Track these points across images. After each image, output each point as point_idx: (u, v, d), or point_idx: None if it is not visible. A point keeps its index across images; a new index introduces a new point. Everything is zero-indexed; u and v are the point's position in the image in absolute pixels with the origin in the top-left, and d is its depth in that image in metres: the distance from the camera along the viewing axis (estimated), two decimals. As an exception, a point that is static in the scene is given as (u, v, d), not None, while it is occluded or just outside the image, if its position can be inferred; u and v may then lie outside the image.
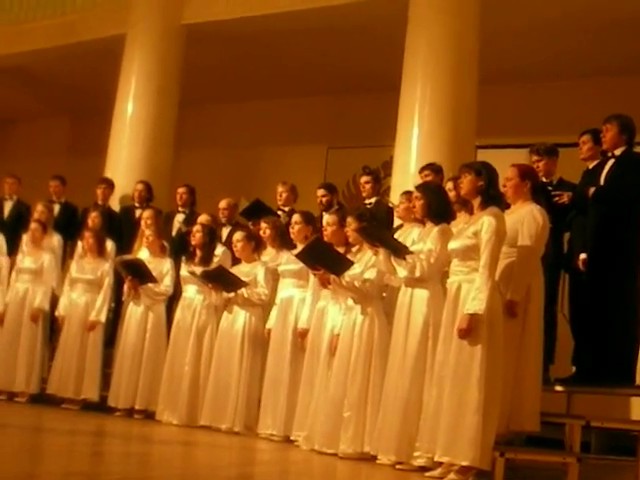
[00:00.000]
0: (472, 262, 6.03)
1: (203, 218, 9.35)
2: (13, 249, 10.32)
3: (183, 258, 9.05)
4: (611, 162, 7.43)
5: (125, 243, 10.06)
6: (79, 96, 14.28)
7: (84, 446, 6.91)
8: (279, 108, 13.79)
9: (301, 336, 7.87)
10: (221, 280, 8.44)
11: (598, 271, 7.26)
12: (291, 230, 8.28)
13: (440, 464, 5.97)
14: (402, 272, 6.65)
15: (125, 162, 11.61)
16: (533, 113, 11.67)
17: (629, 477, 6.51)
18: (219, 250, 9.02)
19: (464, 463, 5.77)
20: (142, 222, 9.60)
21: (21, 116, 16.23)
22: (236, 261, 8.80)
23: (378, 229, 7.24)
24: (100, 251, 9.68)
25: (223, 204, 10.03)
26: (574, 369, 7.53)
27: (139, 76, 11.84)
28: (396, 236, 7.31)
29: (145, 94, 11.80)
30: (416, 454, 6.21)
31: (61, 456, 6.01)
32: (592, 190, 7.34)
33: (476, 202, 6.22)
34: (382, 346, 6.88)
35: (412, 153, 9.50)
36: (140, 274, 9.10)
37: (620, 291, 7.22)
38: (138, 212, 10.39)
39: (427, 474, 6.02)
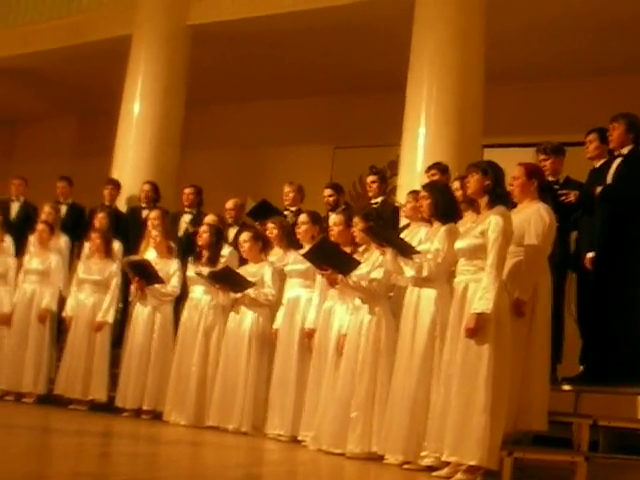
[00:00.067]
0: (479, 261, 6.03)
1: (210, 218, 9.34)
2: (20, 250, 10.33)
3: (190, 259, 9.04)
4: (618, 161, 7.42)
5: (132, 244, 10.07)
6: (86, 96, 14.31)
7: (92, 447, 6.92)
8: (285, 108, 13.79)
9: (308, 336, 7.86)
10: (228, 280, 8.45)
11: (605, 270, 7.25)
12: (298, 230, 8.28)
13: (447, 464, 5.96)
14: (409, 272, 6.65)
15: (132, 162, 11.62)
16: (540, 112, 11.65)
17: (637, 476, 6.52)
18: (226, 250, 9.02)
19: (472, 463, 5.76)
20: (149, 223, 9.59)
21: (28, 117, 16.25)
22: (243, 261, 8.80)
23: (385, 229, 7.24)
24: (107, 252, 9.69)
25: (230, 204, 10.03)
26: (582, 368, 7.52)
27: (145, 76, 11.86)
28: (403, 236, 7.31)
29: (151, 94, 11.82)
30: (423, 454, 6.21)
31: (69, 457, 6.02)
32: (599, 189, 7.33)
33: (483, 201, 6.21)
34: (389, 346, 6.88)
35: (418, 152, 9.49)
36: (147, 275, 9.11)
37: (627, 290, 7.21)
38: (145, 213, 10.38)
39: (434, 474, 6.01)
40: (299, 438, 7.59)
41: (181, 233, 10.35)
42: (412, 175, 9.31)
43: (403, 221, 8.31)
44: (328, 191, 9.54)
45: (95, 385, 9.35)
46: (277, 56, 12.27)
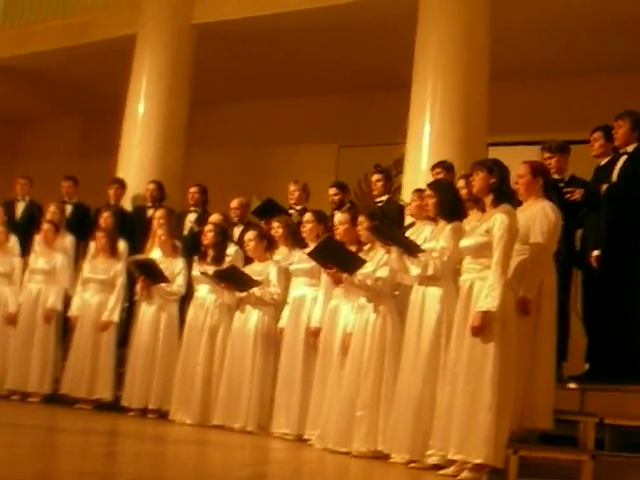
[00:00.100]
0: (484, 260, 6.02)
1: (215, 217, 9.35)
2: (26, 250, 10.34)
3: (195, 258, 9.04)
4: (623, 159, 7.42)
5: (137, 243, 10.07)
6: (90, 96, 14.31)
7: (97, 446, 6.92)
8: (290, 107, 13.79)
9: (313, 335, 7.86)
10: (233, 279, 8.45)
11: (611, 268, 7.24)
12: (303, 229, 8.28)
13: (453, 462, 5.96)
14: (415, 270, 6.64)
15: (137, 162, 11.62)
16: (545, 110, 11.64)
17: (644, 475, 6.50)
18: (231, 249, 9.03)
19: (477, 461, 5.76)
20: (154, 222, 9.61)
21: (32, 117, 16.27)
22: (248, 260, 8.81)
23: (390, 227, 7.24)
24: (112, 251, 9.70)
25: (235, 203, 10.03)
26: (587, 366, 7.51)
27: (150, 76, 11.86)
28: (408, 234, 7.31)
29: (156, 94, 11.82)
30: (429, 452, 6.21)
31: (74, 456, 6.03)
32: (604, 187, 7.32)
33: (488, 200, 6.21)
34: (394, 344, 6.88)
35: (423, 151, 9.48)
36: (152, 274, 9.11)
37: (633, 288, 7.20)
38: (150, 212, 10.39)
39: (441, 472, 6.02)
40: (305, 437, 7.59)
41: (186, 232, 10.34)
42: (417, 173, 9.30)
43: (408, 219, 8.31)
44: (333, 190, 9.53)
45: (101, 384, 9.36)
46: (282, 55, 12.27)
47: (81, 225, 10.89)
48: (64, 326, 9.96)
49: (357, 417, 6.87)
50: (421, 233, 7.24)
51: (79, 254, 10.67)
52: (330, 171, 13.20)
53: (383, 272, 7.03)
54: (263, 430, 8.10)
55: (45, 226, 10.04)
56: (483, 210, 6.38)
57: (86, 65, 13.12)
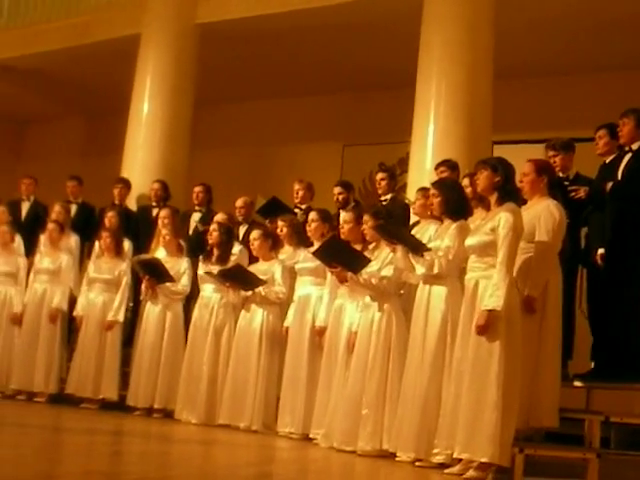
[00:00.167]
0: (489, 258, 6.02)
1: (220, 217, 9.35)
2: (31, 250, 10.35)
3: (200, 257, 9.06)
4: (628, 156, 7.40)
5: (142, 242, 10.08)
6: (94, 96, 14.32)
7: (103, 445, 6.93)
8: (294, 106, 13.78)
9: (319, 334, 7.86)
10: (238, 279, 8.45)
11: (616, 266, 7.22)
12: (308, 228, 8.28)
13: (459, 461, 5.96)
14: (420, 269, 6.64)
15: (141, 162, 11.63)
16: (549, 108, 11.62)
17: (649, 473, 6.49)
18: (236, 249, 9.03)
19: (483, 459, 5.76)
20: (159, 221, 9.61)
21: (37, 117, 16.29)
22: (253, 259, 8.81)
23: (395, 226, 7.23)
24: (117, 251, 9.71)
25: (239, 202, 10.03)
26: (593, 364, 7.50)
27: (154, 76, 11.86)
28: (413, 233, 7.30)
29: (160, 94, 11.82)
30: (435, 451, 6.22)
31: (80, 455, 6.03)
32: (609, 185, 7.31)
33: (493, 198, 6.20)
34: (400, 343, 6.88)
35: (428, 149, 9.48)
36: (157, 273, 9.12)
37: (633, 287, 7.18)
38: (155, 211, 10.40)
39: (446, 471, 6.02)
40: (310, 436, 7.60)
41: (191, 231, 10.35)
42: (422, 172, 9.29)
43: (413, 218, 8.30)
44: (338, 189, 9.52)
45: (106, 384, 9.38)
46: (286, 54, 12.26)
47: (86, 225, 10.90)
48: (69, 326, 9.97)
49: (362, 416, 6.87)
50: (426, 232, 7.24)
51: (84, 254, 10.69)
52: (335, 170, 13.20)
53: (388, 271, 7.04)
54: (268, 429, 8.11)
55: (50, 226, 10.06)
56: (488, 209, 6.37)
57: (90, 65, 13.13)
